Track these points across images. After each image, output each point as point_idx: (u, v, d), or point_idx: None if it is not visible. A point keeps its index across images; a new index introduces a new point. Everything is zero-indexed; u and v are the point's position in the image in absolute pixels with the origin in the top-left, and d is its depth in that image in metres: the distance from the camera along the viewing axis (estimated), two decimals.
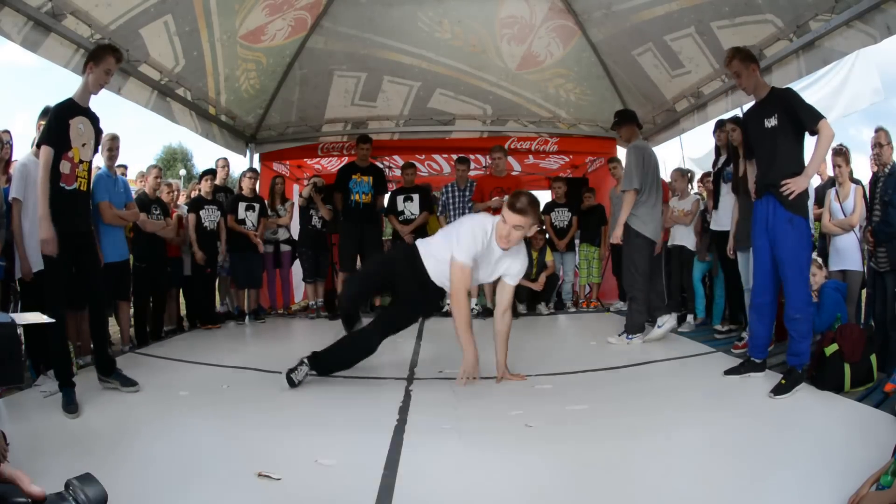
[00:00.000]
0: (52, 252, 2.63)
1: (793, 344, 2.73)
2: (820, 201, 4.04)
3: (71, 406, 2.56)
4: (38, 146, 2.73)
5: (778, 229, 2.71)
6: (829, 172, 4.35)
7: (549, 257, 5.70)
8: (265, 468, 1.84)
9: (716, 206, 4.12)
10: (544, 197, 7.15)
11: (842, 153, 3.74)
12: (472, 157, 6.92)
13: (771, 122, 2.77)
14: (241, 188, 5.51)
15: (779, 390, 2.58)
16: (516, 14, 5.55)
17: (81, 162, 2.80)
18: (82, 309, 3.60)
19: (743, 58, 2.84)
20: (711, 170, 4.45)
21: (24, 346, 3.48)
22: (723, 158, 4.09)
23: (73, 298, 3.58)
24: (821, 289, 3.18)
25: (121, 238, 3.91)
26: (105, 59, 2.76)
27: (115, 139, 3.80)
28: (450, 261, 2.78)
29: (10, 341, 0.91)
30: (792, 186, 2.63)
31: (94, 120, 2.87)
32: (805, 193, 2.71)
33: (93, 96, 2.84)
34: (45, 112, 3.26)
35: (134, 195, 4.18)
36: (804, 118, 2.65)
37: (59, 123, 2.69)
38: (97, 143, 2.97)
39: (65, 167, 2.69)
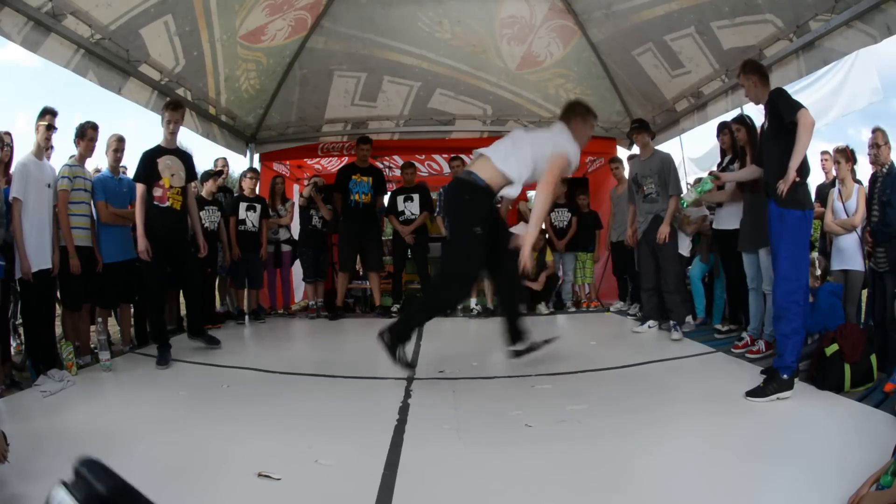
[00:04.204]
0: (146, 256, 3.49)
1: (777, 344, 2.73)
2: (822, 200, 4.04)
3: (163, 362, 3.42)
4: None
5: (772, 227, 2.74)
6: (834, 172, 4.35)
7: (548, 257, 5.70)
8: (265, 468, 1.84)
9: (719, 205, 4.13)
10: None
11: (842, 151, 3.74)
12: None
13: (765, 126, 2.84)
14: (241, 188, 5.52)
15: (754, 392, 2.54)
16: (516, 14, 5.55)
17: (172, 187, 3.64)
18: (79, 309, 3.61)
19: (746, 70, 2.86)
20: (715, 169, 4.44)
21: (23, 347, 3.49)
22: (728, 158, 4.09)
23: (69, 298, 3.61)
24: (817, 290, 3.17)
25: (120, 237, 3.90)
26: (162, 114, 3.69)
27: (120, 141, 3.90)
28: (552, 152, 2.96)
29: None
30: (781, 186, 2.61)
31: (181, 157, 3.74)
32: (799, 187, 2.64)
33: (174, 137, 3.77)
34: (44, 112, 3.27)
35: None
36: (783, 112, 2.63)
37: (145, 163, 3.59)
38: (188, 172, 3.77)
39: (157, 192, 3.59)
